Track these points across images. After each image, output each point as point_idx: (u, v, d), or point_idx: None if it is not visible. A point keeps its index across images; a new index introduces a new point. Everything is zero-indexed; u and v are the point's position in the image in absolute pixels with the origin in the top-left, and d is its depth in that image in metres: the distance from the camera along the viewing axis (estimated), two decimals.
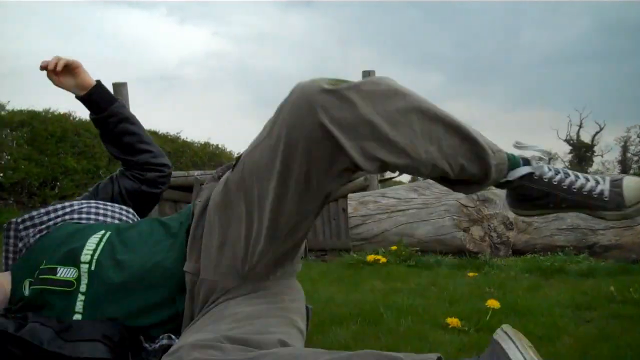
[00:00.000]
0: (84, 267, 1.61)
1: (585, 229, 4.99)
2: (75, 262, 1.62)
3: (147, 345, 1.54)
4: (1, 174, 11.26)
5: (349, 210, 5.30)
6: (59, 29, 69.31)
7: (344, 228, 5.89)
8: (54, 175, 12.00)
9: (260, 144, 1.40)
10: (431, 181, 5.70)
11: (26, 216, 1.82)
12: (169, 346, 1.46)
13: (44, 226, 1.80)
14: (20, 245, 1.81)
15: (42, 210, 1.85)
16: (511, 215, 5.04)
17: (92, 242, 1.64)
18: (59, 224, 1.81)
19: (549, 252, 4.94)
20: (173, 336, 1.55)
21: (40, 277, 1.63)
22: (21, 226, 1.81)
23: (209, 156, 16.78)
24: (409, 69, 63.30)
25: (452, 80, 64.59)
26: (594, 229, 4.97)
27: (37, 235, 1.79)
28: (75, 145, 12.39)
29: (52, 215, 1.84)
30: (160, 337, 1.57)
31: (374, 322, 2.18)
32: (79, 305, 1.59)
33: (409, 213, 5.21)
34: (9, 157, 11.33)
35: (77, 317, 1.57)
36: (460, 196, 5.08)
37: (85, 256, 1.61)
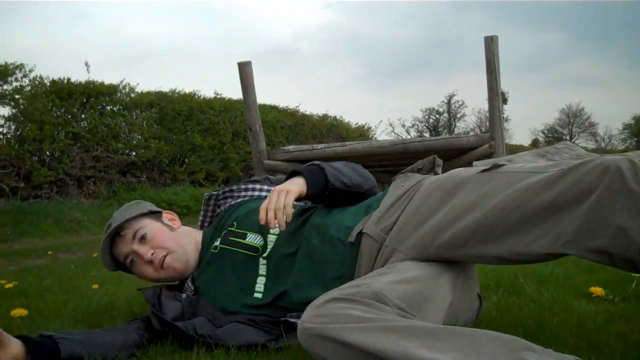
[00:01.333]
0: (271, 237, 1.81)
1: None
2: (262, 231, 1.83)
3: (296, 320, 1.62)
4: (134, 153, 11.81)
5: None
6: (179, 12, 71.62)
7: None
8: (182, 152, 12.50)
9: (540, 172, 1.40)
10: (560, 146, 5.53)
11: (227, 189, 2.10)
12: None
13: (239, 200, 2.05)
14: (217, 211, 2.10)
15: (242, 186, 2.09)
16: None
17: None
18: (249, 199, 2.05)
19: None
20: None
21: (230, 238, 1.88)
22: (221, 196, 2.09)
23: (327, 128, 16.95)
24: (527, 31, 60.95)
25: (572, 38, 61.67)
26: None
27: (233, 203, 2.04)
28: (200, 123, 12.84)
29: (247, 192, 2.09)
30: None
31: (515, 292, 2.17)
32: (262, 269, 1.79)
33: None
34: (140, 137, 11.87)
35: (261, 279, 1.79)
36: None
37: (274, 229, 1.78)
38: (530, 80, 60.99)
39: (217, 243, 1.91)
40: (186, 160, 12.83)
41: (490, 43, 5.68)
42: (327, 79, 60.91)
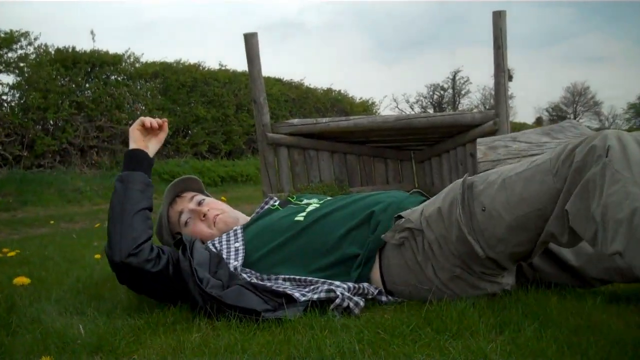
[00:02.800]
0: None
1: None
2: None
3: (299, 296, 1.71)
4: None
5: (478, 155, 5.22)
6: None
7: (472, 174, 5.81)
8: (185, 123, 12.48)
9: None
10: (565, 124, 5.51)
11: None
12: (327, 299, 1.70)
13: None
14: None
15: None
16: None
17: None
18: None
19: None
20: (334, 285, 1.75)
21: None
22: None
23: (331, 102, 16.90)
24: (537, 5, 60.39)
25: (582, 15, 61.16)
26: None
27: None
28: (204, 95, 12.82)
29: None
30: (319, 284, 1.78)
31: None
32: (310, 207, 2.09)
33: None
34: (144, 108, 11.84)
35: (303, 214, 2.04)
36: None
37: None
38: (537, 57, 60.62)
39: (275, 204, 2.27)
40: (189, 132, 12.82)
41: (499, 18, 5.63)
42: (332, 53, 60.55)
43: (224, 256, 1.95)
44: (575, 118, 37.25)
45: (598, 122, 39.24)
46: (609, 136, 1.44)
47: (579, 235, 1.49)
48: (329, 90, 17.43)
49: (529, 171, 1.59)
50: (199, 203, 2.21)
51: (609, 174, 1.37)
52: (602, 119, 40.22)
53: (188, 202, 2.21)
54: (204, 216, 2.17)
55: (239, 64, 18.66)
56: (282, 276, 1.88)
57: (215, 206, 2.23)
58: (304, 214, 2.02)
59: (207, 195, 2.32)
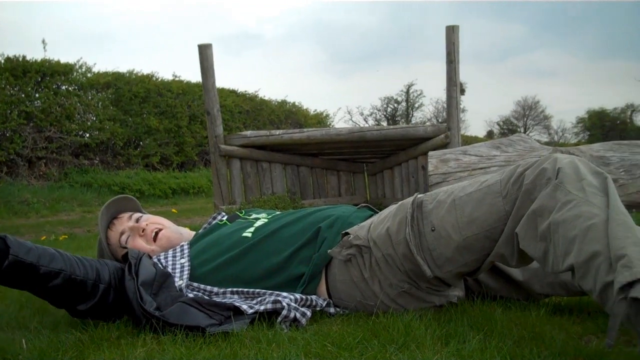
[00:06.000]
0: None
1: None
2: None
3: (246, 308, 1.71)
4: (87, 135, 11.60)
5: (429, 168, 5.29)
6: None
7: (423, 186, 5.88)
8: (137, 135, 12.33)
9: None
10: (515, 138, 5.61)
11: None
12: (274, 310, 1.69)
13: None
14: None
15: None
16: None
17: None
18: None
19: (634, 210, 4.82)
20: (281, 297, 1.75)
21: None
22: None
23: (286, 114, 16.90)
24: (491, 21, 61.53)
25: (534, 30, 62.56)
26: None
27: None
28: (157, 106, 12.69)
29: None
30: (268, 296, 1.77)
31: None
32: (258, 222, 2.08)
33: (490, 171, 5.16)
34: (94, 118, 11.66)
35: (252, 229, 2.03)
36: (545, 152, 5.00)
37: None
38: (489, 72, 61.61)
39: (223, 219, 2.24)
40: (141, 143, 12.65)
41: (452, 33, 5.72)
42: (287, 65, 60.56)
43: (170, 272, 1.92)
44: (525, 132, 37.98)
45: (547, 136, 40.09)
46: (559, 159, 1.47)
47: (528, 256, 1.51)
48: (284, 102, 17.41)
49: (479, 192, 1.60)
50: (137, 220, 2.19)
51: (561, 194, 1.40)
52: (552, 132, 41.09)
53: (127, 222, 2.19)
54: (142, 231, 2.16)
55: (193, 75, 18.55)
56: (230, 289, 1.87)
57: (154, 221, 2.22)
58: (252, 229, 2.02)
59: (144, 213, 2.30)
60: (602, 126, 36.88)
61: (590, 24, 61.61)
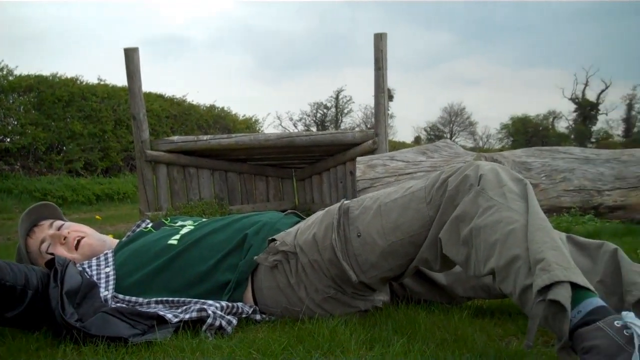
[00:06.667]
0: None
1: (591, 189, 5.03)
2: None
3: (171, 317, 1.67)
4: (8, 139, 11.23)
5: (357, 173, 5.34)
6: None
7: (351, 191, 5.93)
8: (60, 139, 12.00)
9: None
10: (440, 144, 5.72)
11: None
12: (199, 318, 1.67)
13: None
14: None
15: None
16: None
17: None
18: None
19: (554, 214, 4.99)
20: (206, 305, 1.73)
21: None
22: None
23: (214, 119, 16.75)
24: (418, 29, 62.61)
25: (461, 39, 64.02)
26: (600, 190, 5.01)
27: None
28: (81, 110, 12.37)
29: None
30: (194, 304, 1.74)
31: None
32: (184, 229, 2.06)
33: (417, 176, 5.25)
34: (16, 122, 11.30)
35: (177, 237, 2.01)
36: (469, 157, 5.11)
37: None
38: (417, 79, 62.84)
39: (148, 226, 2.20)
40: (64, 148, 12.31)
41: (380, 40, 5.78)
42: (216, 69, 60.28)
43: (95, 281, 1.88)
44: (451, 137, 38.84)
45: (473, 142, 41.10)
46: (481, 166, 1.50)
47: (451, 261, 1.54)
48: (212, 107, 17.28)
49: (404, 198, 1.63)
50: (59, 228, 2.14)
51: (482, 200, 1.43)
52: (477, 138, 42.17)
53: (48, 229, 2.13)
54: (64, 239, 2.10)
55: (119, 78, 18.20)
56: (155, 299, 1.83)
57: (76, 229, 2.17)
58: (177, 237, 1.99)
59: (66, 221, 2.24)
60: (525, 132, 38.08)
61: (514, 34, 63.43)
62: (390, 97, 36.23)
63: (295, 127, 35.64)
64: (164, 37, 62.86)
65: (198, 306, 1.72)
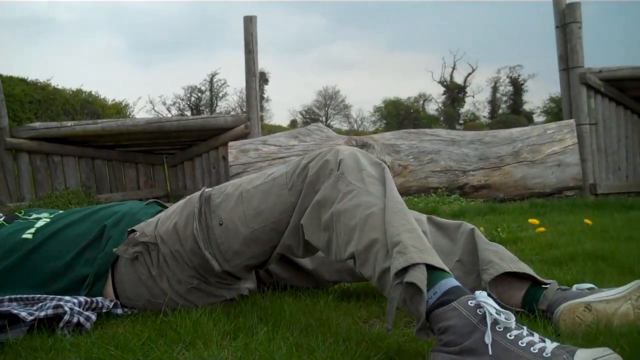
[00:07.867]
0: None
1: (457, 170, 5.24)
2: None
3: (25, 315, 1.57)
4: None
5: (230, 158, 5.28)
6: None
7: (224, 177, 5.87)
8: None
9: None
10: (312, 128, 5.76)
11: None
12: (55, 315, 1.57)
13: None
14: None
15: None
16: (387, 159, 5.20)
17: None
18: None
19: (422, 194, 5.16)
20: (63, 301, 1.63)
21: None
22: None
23: (81, 104, 16.08)
24: (291, 13, 62.81)
25: (333, 23, 64.82)
26: (465, 170, 5.22)
27: None
28: None
29: None
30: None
31: None
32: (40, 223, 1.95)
33: (290, 160, 5.25)
34: None
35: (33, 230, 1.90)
36: (341, 141, 5.18)
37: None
38: (293, 62, 63.12)
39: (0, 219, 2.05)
40: None
41: (249, 23, 5.74)
42: (83, 52, 57.89)
43: None
44: (326, 120, 39.39)
45: (348, 125, 41.84)
46: (341, 151, 1.50)
47: (314, 246, 1.53)
48: (79, 92, 16.57)
49: (265, 185, 1.61)
50: None
51: (342, 185, 1.43)
52: (351, 121, 42.96)
53: None
54: None
55: None
56: (8, 297, 1.72)
57: None
58: (32, 230, 1.87)
59: None
60: (397, 115, 39.16)
61: (386, 18, 64.94)
62: (266, 81, 36.20)
63: (169, 111, 34.93)
64: (28, 17, 59.58)
65: (54, 302, 1.63)
